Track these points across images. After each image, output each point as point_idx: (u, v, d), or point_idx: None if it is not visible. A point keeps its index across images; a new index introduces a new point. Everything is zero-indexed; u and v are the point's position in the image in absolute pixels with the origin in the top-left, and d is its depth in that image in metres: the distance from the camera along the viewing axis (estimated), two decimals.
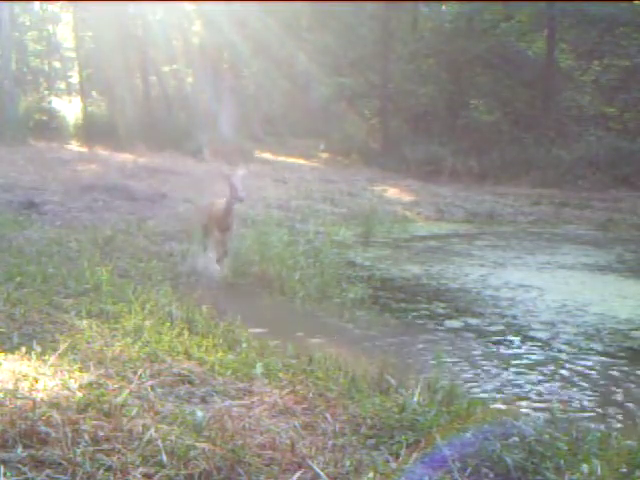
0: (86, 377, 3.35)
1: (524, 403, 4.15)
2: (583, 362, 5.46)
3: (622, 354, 5.72)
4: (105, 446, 2.60)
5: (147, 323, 4.73)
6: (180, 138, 22.08)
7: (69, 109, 27.39)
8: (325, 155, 24.49)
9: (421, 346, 5.76)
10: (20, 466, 2.42)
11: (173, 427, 2.82)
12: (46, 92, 29.10)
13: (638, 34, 23.35)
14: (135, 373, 3.52)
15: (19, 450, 2.50)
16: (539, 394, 4.69)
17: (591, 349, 5.80)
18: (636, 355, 5.77)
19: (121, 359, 3.81)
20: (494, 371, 5.19)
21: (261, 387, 3.61)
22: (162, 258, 8.19)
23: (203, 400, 3.38)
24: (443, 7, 27.36)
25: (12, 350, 3.72)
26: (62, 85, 33.23)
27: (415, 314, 6.78)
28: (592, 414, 4.29)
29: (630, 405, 4.59)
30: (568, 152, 20.84)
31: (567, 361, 5.48)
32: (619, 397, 4.74)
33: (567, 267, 9.66)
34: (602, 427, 3.56)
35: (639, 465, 2.95)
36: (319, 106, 25.34)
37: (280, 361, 4.26)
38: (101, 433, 2.68)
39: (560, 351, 5.72)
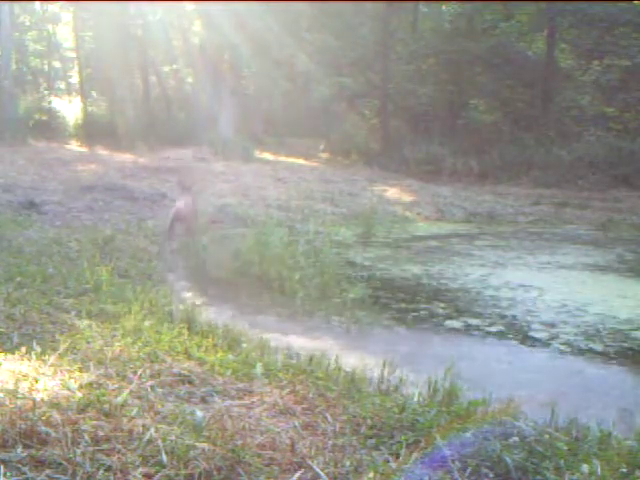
0: (86, 377, 3.35)
1: (524, 403, 4.14)
2: (583, 362, 5.46)
3: (622, 354, 5.72)
4: (105, 446, 2.60)
5: (147, 323, 4.73)
6: (180, 138, 22.10)
7: (69, 109, 27.39)
8: (325, 155, 24.49)
9: (421, 346, 5.76)
10: (20, 466, 2.42)
11: (173, 427, 2.82)
12: (46, 92, 29.09)
13: (638, 34, 23.34)
14: (135, 373, 3.52)
15: (19, 450, 2.50)
16: (539, 394, 4.69)
17: (591, 349, 5.80)
18: (636, 355, 5.77)
19: (121, 359, 3.81)
20: (494, 371, 5.19)
21: (261, 387, 3.60)
22: (162, 258, 8.19)
23: (203, 400, 3.38)
24: (443, 7, 27.37)
25: (12, 350, 3.71)
26: (62, 85, 33.21)
27: (415, 314, 6.78)
28: (592, 414, 4.28)
29: (630, 405, 4.59)
30: (568, 152, 20.84)
31: (567, 361, 5.48)
32: (619, 397, 4.74)
33: (567, 267, 9.66)
34: (602, 427, 3.55)
35: (639, 465, 2.95)
36: (319, 106, 25.33)
37: (280, 361, 4.26)
38: (101, 433, 2.68)
39: (560, 351, 5.72)
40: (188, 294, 6.87)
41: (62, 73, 33.24)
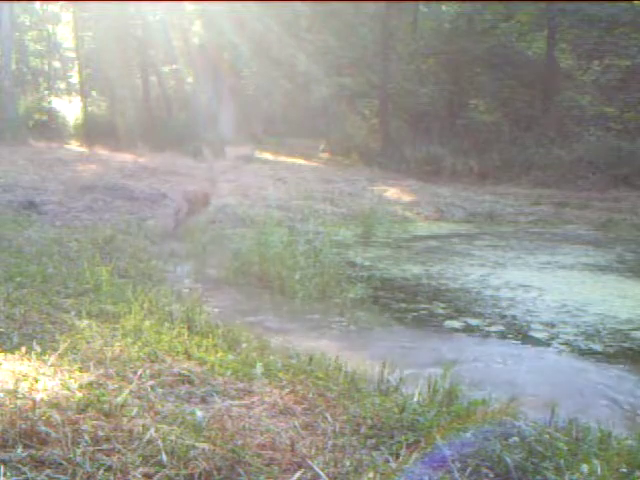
0: (86, 377, 3.35)
1: (524, 403, 4.14)
2: (583, 362, 5.46)
3: (622, 354, 5.72)
4: (105, 446, 2.59)
5: (147, 323, 4.73)
6: (180, 138, 22.12)
7: (69, 109, 27.42)
8: (325, 155, 24.50)
9: (421, 346, 5.75)
10: (20, 466, 2.41)
11: (173, 427, 2.82)
12: (46, 92, 29.13)
13: (638, 34, 23.36)
14: (135, 373, 3.52)
15: (19, 450, 2.50)
16: (539, 394, 4.69)
17: (591, 349, 5.80)
18: (636, 355, 5.77)
19: (121, 359, 3.80)
20: (494, 371, 5.19)
21: (261, 387, 3.60)
22: (162, 258, 8.19)
23: (203, 400, 3.38)
24: (443, 7, 27.38)
25: (12, 350, 3.71)
26: (62, 85, 33.24)
27: (415, 314, 6.78)
28: (592, 414, 4.28)
29: (630, 405, 4.59)
30: (568, 152, 20.85)
31: (567, 361, 5.48)
32: (619, 397, 4.74)
33: (567, 267, 9.67)
34: (602, 427, 3.55)
35: (639, 465, 2.95)
36: (319, 106, 25.35)
37: (280, 361, 4.26)
38: (101, 433, 2.68)
39: (560, 351, 5.72)
40: (188, 293, 6.86)
41: (62, 73, 33.27)
